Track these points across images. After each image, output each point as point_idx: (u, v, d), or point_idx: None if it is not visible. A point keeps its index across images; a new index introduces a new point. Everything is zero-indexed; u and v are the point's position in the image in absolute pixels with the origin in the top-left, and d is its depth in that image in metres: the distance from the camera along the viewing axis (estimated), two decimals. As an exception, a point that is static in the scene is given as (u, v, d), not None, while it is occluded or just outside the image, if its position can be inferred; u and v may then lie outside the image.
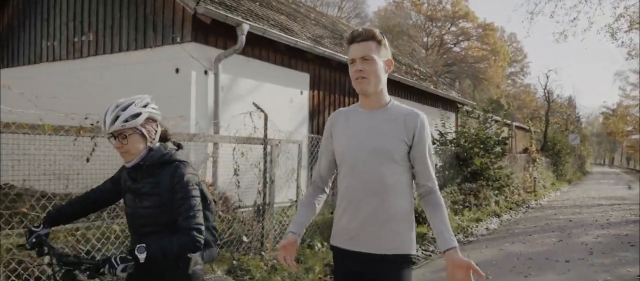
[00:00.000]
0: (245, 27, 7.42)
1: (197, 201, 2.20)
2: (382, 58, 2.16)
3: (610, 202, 15.49)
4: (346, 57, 2.23)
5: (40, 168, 4.41)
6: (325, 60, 9.90)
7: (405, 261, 2.16)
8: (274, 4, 10.78)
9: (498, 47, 49.15)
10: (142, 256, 2.00)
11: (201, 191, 2.31)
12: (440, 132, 12.73)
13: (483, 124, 13.45)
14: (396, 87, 12.51)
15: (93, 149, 4.57)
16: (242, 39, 7.40)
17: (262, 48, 8.44)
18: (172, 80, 7.45)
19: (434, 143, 12.48)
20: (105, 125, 2.16)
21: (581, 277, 6.05)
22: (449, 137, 12.89)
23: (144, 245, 2.03)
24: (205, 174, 7.26)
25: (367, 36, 2.13)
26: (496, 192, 12.86)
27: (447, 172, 12.06)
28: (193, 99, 7.32)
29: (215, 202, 6.62)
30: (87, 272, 2.04)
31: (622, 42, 21.73)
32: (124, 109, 2.15)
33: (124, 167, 2.31)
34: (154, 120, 2.28)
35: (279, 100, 8.77)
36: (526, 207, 13.88)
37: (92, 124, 4.49)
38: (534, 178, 18.41)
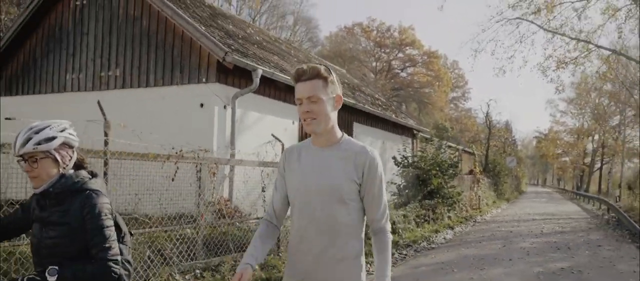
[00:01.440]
0: (260, 72, 9.12)
1: (112, 231, 2.09)
2: (331, 95, 2.08)
3: (542, 217, 18.10)
4: None
5: (144, 186, 5.89)
6: (312, 94, 11.65)
7: None
8: (265, 44, 12.51)
9: (442, 73, 52.30)
10: (52, 279, 1.92)
11: (116, 223, 2.22)
12: (403, 155, 14.66)
13: (438, 150, 15.54)
14: (362, 116, 14.47)
15: (175, 172, 6.14)
16: (257, 81, 9.08)
17: (266, 85, 10.12)
18: (197, 114, 9.00)
19: (397, 165, 14.43)
20: (14, 146, 2.04)
21: (521, 270, 8.04)
22: (410, 160, 14.85)
23: (55, 267, 1.94)
24: (223, 191, 8.84)
25: (312, 74, 2.05)
26: (449, 208, 14.93)
27: (409, 191, 14.02)
28: (215, 130, 8.90)
29: (231, 215, 8.26)
30: None
31: (551, 79, 24.67)
32: (38, 132, 2.05)
33: (35, 194, 2.15)
34: (70, 146, 2.16)
35: (276, 129, 10.42)
36: (474, 221, 16.06)
37: (176, 153, 6.08)
38: (479, 196, 20.76)
